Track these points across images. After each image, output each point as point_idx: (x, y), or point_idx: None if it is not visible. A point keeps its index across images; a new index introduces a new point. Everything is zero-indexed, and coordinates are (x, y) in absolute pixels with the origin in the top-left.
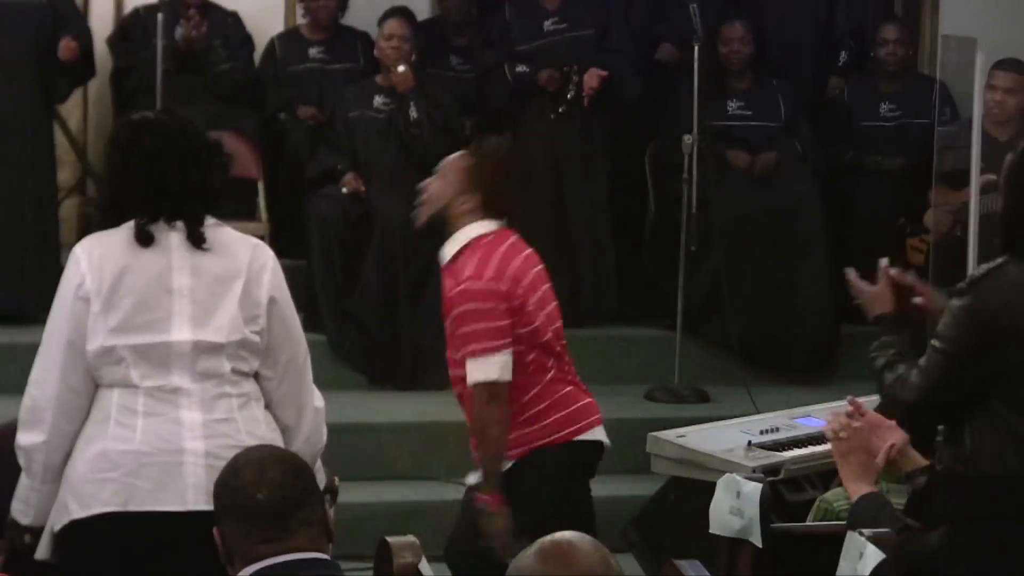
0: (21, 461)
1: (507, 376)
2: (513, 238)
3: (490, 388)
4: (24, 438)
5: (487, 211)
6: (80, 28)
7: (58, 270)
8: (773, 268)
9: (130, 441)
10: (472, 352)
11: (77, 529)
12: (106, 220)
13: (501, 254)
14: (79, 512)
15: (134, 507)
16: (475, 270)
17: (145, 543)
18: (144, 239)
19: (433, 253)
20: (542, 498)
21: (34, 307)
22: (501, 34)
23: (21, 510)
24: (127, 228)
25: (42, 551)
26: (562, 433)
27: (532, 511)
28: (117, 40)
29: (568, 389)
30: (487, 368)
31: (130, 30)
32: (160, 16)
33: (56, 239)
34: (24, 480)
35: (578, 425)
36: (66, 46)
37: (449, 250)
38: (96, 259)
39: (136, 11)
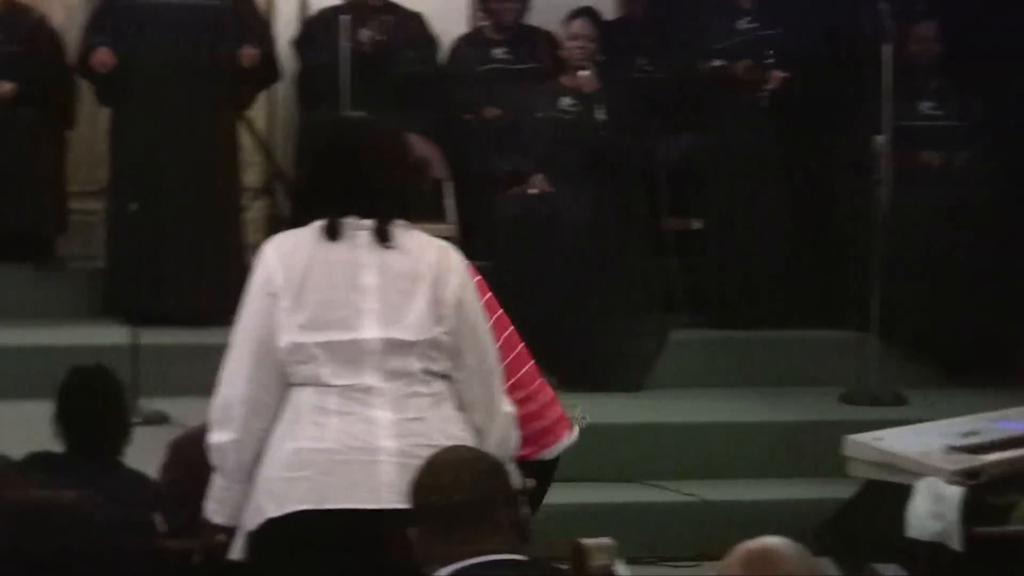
0: (213, 460)
1: None
2: None
3: None
4: (215, 437)
5: None
6: (262, 33)
7: (243, 271)
8: (967, 268)
9: (323, 440)
10: None
11: (272, 528)
12: (295, 219)
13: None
14: (274, 511)
15: (329, 505)
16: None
17: (338, 541)
18: (333, 233)
19: (619, 252)
20: None
21: (220, 308)
22: (695, 33)
23: (215, 510)
24: (316, 226)
25: (236, 551)
26: None
27: None
28: (302, 42)
29: None
30: None
31: (315, 32)
32: (345, 18)
33: (241, 241)
34: (217, 479)
35: None
36: (247, 54)
37: None
38: (285, 256)
39: (321, 13)
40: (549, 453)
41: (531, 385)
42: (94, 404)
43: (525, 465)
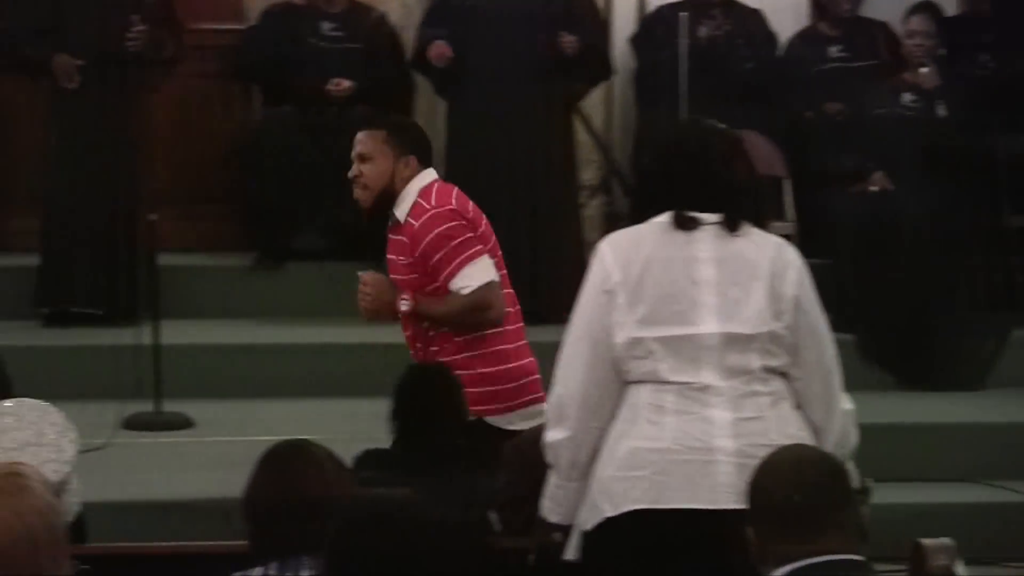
0: (548, 458)
1: (497, 276)
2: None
3: (487, 290)
4: (550, 435)
5: (422, 165)
6: (593, 28)
7: (581, 269)
8: None
9: (660, 439)
10: (458, 264)
11: (608, 528)
12: (635, 215)
13: (457, 193)
14: (611, 510)
15: (665, 504)
16: (438, 200)
17: (675, 541)
18: (682, 225)
19: (960, 250)
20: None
21: (556, 306)
22: None
23: (550, 508)
24: (654, 223)
25: (571, 551)
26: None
27: None
28: (640, 39)
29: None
30: (481, 271)
31: (653, 29)
32: (684, 15)
33: (579, 238)
34: (552, 478)
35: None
36: (566, 41)
37: (403, 208)
38: (622, 253)
39: (659, 10)
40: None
41: None
42: (430, 402)
43: None
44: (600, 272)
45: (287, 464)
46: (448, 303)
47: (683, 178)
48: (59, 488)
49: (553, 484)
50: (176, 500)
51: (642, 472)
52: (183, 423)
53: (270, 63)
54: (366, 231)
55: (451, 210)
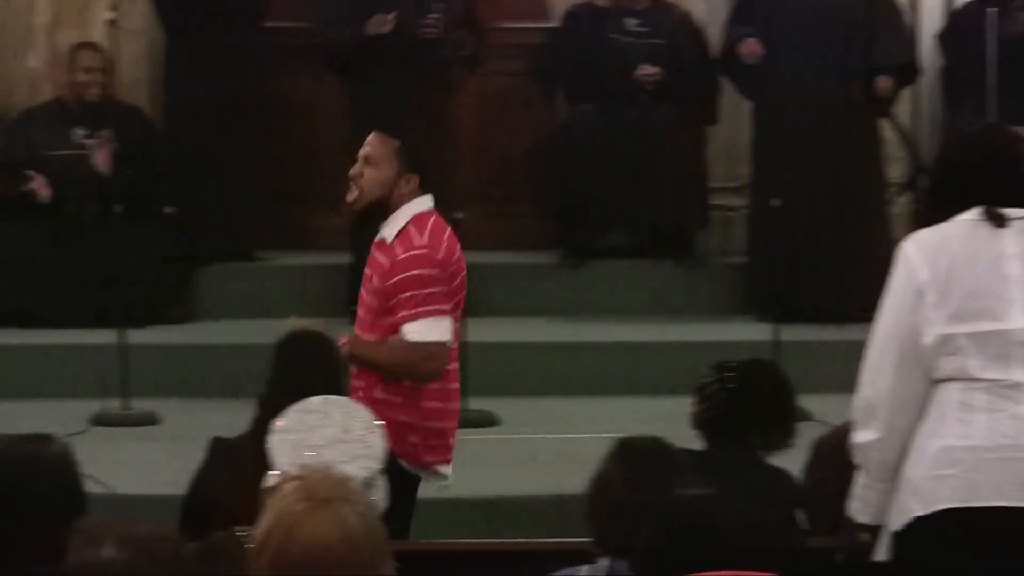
0: (856, 459)
1: (450, 342)
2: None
3: (437, 349)
4: (859, 436)
5: (422, 189)
6: (896, 25)
7: (887, 268)
8: None
9: (970, 437)
10: (422, 313)
11: (918, 527)
12: (934, 212)
13: (449, 236)
14: (921, 510)
15: (976, 503)
16: (429, 242)
17: (987, 540)
18: (993, 220)
19: None
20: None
21: (862, 305)
22: None
23: (859, 508)
24: (958, 220)
25: (880, 551)
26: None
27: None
28: (947, 36)
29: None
30: (439, 328)
31: (960, 25)
32: (992, 11)
33: (886, 236)
34: (860, 478)
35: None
36: (881, 86)
37: (392, 228)
38: (929, 251)
39: (966, 6)
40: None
41: None
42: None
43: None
44: (906, 271)
45: (641, 459)
46: (390, 349)
47: (992, 175)
48: (369, 483)
49: (862, 484)
50: (482, 498)
51: (952, 471)
52: (489, 421)
53: (571, 67)
54: (668, 230)
55: (437, 259)
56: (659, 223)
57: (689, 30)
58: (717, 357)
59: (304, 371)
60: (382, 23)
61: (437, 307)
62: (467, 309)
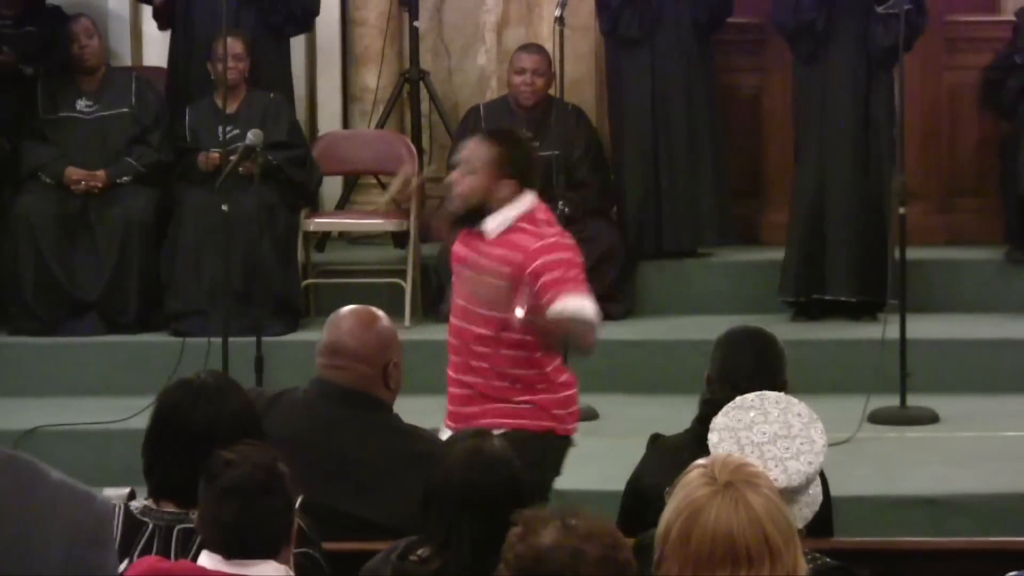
0: None
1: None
2: None
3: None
4: None
5: (522, 189)
6: None
7: None
8: None
9: None
10: (578, 288)
11: None
12: None
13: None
14: None
15: None
16: (557, 230)
17: None
18: None
19: None
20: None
21: None
22: None
23: None
24: None
25: None
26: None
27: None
28: None
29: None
30: (591, 305)
31: None
32: None
33: None
34: None
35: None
36: None
37: (496, 225)
38: None
39: None
40: None
41: None
42: None
43: None
44: None
45: None
46: (566, 319)
47: None
48: (810, 478)
49: None
50: (921, 496)
51: None
52: (929, 418)
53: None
54: None
55: (572, 244)
56: None
57: None
58: None
59: (743, 367)
60: None
61: (584, 284)
62: (911, 305)
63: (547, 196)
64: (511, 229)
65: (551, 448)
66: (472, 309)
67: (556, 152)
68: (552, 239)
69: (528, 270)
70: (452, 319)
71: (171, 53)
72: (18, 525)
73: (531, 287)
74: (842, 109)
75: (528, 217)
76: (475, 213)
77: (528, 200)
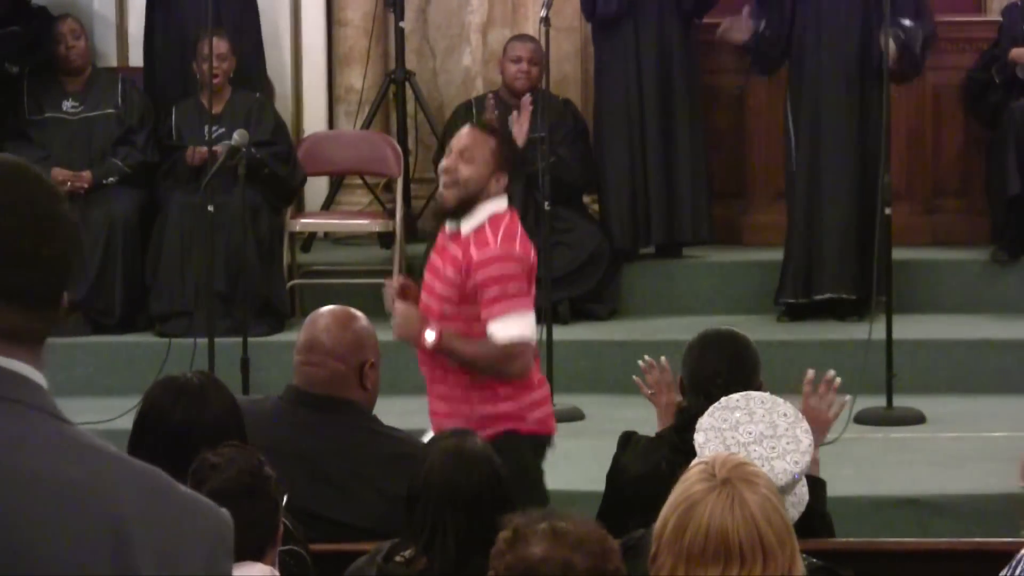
0: None
1: (535, 337)
2: None
3: (523, 346)
4: None
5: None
6: None
7: None
8: None
9: None
10: (508, 308)
11: None
12: None
13: (522, 234)
14: None
15: None
16: (516, 242)
17: None
18: None
19: None
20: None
21: None
22: None
23: None
24: None
25: None
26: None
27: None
28: None
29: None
30: (528, 325)
31: None
32: None
33: None
34: None
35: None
36: None
37: (470, 224)
38: None
39: None
40: None
41: None
42: None
43: None
44: None
45: None
46: (481, 347)
47: None
48: (798, 478)
49: None
50: (906, 496)
51: None
52: (915, 419)
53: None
54: None
55: (523, 257)
56: None
57: None
58: None
59: (716, 372)
60: None
61: (523, 303)
62: (897, 305)
63: (531, 178)
64: (477, 230)
65: (526, 450)
66: (435, 308)
67: (543, 135)
68: (500, 250)
69: (471, 281)
70: None
71: (146, 51)
72: (167, 532)
73: (464, 295)
74: (839, 112)
75: (495, 220)
76: (463, 207)
77: (502, 202)
